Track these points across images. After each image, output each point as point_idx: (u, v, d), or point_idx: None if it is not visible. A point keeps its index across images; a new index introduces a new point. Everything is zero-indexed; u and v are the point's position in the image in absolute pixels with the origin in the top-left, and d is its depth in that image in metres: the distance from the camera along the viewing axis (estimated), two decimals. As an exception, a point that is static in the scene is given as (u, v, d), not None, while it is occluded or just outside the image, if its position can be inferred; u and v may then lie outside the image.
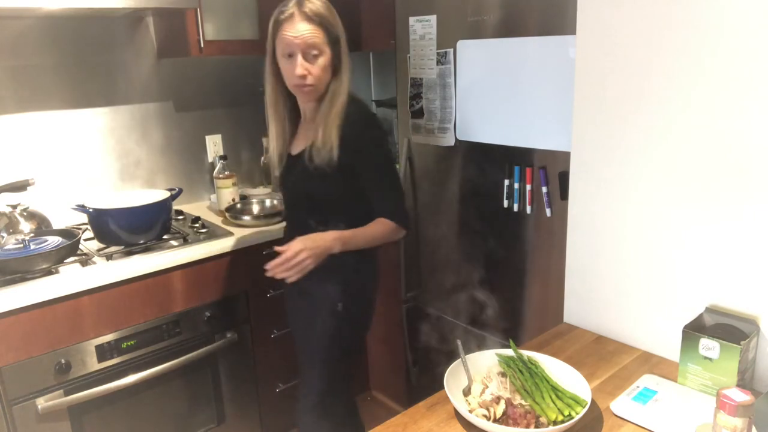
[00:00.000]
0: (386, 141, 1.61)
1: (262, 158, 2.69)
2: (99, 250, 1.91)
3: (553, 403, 1.07)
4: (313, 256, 1.48)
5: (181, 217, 2.30)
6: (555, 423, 1.02)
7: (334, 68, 1.51)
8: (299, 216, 1.65)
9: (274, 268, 1.48)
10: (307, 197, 1.61)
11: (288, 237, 1.66)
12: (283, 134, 1.63)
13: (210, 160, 2.56)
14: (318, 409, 1.73)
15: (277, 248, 1.50)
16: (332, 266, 1.54)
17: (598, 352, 1.34)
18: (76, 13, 2.08)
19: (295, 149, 1.62)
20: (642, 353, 1.32)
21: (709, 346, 1.12)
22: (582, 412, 1.03)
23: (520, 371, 1.15)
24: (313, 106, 1.56)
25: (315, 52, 1.45)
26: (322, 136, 1.49)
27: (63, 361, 1.70)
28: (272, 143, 1.64)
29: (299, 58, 1.45)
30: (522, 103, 1.68)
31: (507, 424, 1.04)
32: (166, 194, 2.00)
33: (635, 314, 1.35)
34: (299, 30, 1.43)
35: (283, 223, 1.83)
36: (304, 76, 1.45)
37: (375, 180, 1.57)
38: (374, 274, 1.72)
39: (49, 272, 1.74)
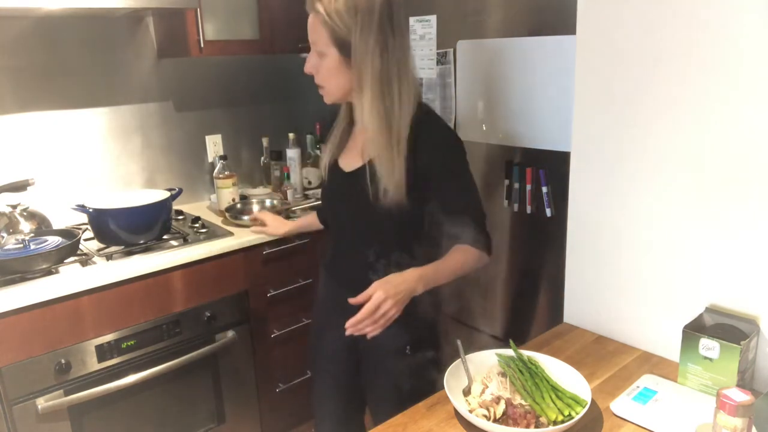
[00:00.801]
0: (464, 153, 1.33)
1: (262, 158, 2.69)
2: (99, 250, 1.91)
3: (553, 403, 1.07)
4: (398, 303, 1.21)
5: (181, 217, 2.30)
6: (555, 423, 1.02)
7: (348, 72, 1.27)
8: (352, 244, 1.41)
9: (356, 324, 1.20)
10: (366, 225, 1.36)
11: (334, 265, 1.47)
12: (334, 140, 1.43)
13: (210, 160, 2.56)
14: None
15: (354, 300, 1.21)
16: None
17: (598, 352, 1.34)
18: (76, 13, 2.08)
19: (348, 164, 1.38)
20: (642, 353, 1.32)
21: (709, 346, 1.12)
22: (582, 412, 1.03)
23: (520, 371, 1.15)
24: (350, 114, 1.40)
25: (319, 50, 1.28)
26: (378, 158, 1.27)
27: (63, 361, 1.70)
28: (324, 150, 1.47)
29: (310, 55, 1.31)
30: (522, 103, 1.68)
31: (507, 424, 1.04)
32: (166, 194, 2.00)
33: (635, 314, 1.35)
34: (309, 24, 1.28)
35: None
36: (311, 74, 1.32)
37: (453, 198, 1.31)
38: (437, 310, 1.46)
39: (49, 272, 1.74)
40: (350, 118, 1.41)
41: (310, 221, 1.74)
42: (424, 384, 1.31)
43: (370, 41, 1.23)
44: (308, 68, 1.31)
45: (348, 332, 1.21)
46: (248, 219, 1.95)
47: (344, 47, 1.25)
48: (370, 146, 1.29)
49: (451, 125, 1.90)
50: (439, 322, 1.47)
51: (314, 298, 1.60)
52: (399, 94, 1.26)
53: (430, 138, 1.29)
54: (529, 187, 1.71)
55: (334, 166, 1.42)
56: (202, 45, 2.12)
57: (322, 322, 1.54)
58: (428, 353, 1.41)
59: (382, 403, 1.44)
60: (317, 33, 1.26)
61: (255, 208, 2.38)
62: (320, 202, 1.58)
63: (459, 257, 1.32)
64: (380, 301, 1.19)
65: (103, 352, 1.78)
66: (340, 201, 1.42)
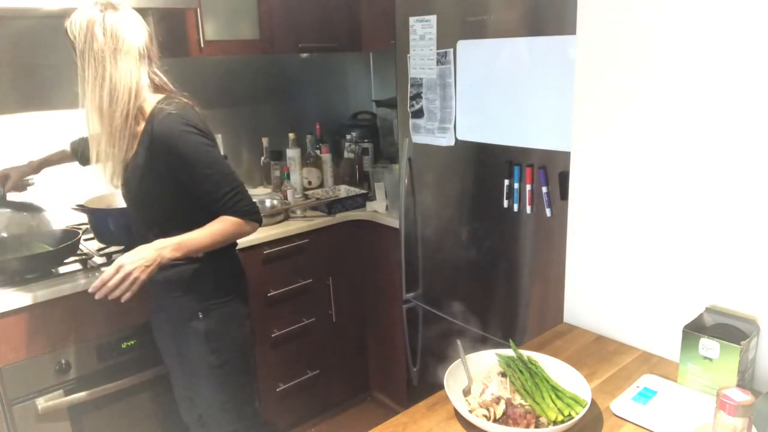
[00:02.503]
0: (192, 135, 1.46)
1: (262, 158, 2.69)
2: (99, 250, 1.91)
3: (553, 403, 1.07)
4: (139, 269, 1.38)
5: (181, 217, 2.29)
6: (555, 423, 1.02)
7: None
8: (135, 224, 1.60)
9: (96, 290, 1.38)
10: (135, 201, 1.55)
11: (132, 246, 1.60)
12: None
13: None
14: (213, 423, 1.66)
15: (103, 268, 1.45)
16: (178, 274, 1.50)
17: (598, 352, 1.34)
18: (76, 13, 2.08)
19: None
20: (642, 353, 1.32)
21: (709, 346, 1.12)
22: (582, 412, 1.03)
23: (520, 371, 1.15)
24: None
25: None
26: (106, 156, 1.48)
27: (63, 361, 1.70)
28: None
29: None
30: (522, 103, 1.68)
31: (507, 424, 1.04)
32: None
33: (635, 314, 1.35)
34: None
35: (284, 223, 1.80)
36: None
37: (195, 179, 1.46)
38: (234, 274, 1.64)
39: (49, 272, 1.74)
40: None
41: (60, 156, 1.87)
42: (222, 345, 1.59)
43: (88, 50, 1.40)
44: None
45: (96, 296, 1.38)
46: None
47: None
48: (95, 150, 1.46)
49: (452, 125, 1.90)
50: (231, 289, 1.62)
51: None
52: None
53: (156, 131, 1.42)
54: (529, 187, 1.71)
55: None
56: (202, 45, 2.12)
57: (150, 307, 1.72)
58: (220, 317, 1.58)
59: (176, 368, 1.66)
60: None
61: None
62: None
63: (216, 226, 1.47)
64: (118, 266, 1.37)
65: (103, 352, 1.78)
66: (126, 196, 1.58)
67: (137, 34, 1.44)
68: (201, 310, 1.56)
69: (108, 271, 1.38)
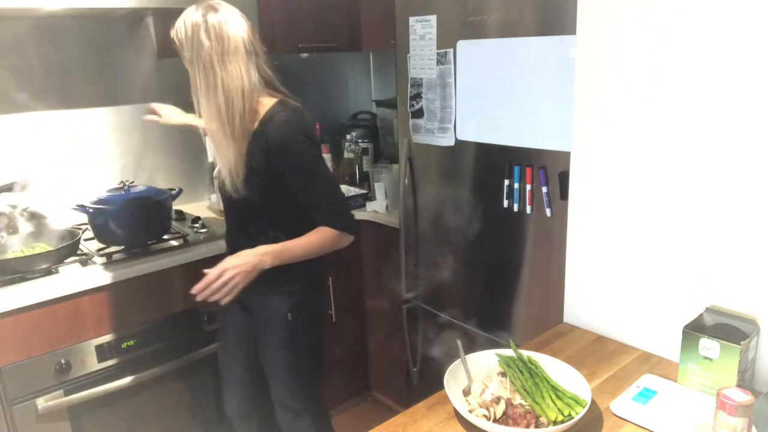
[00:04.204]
0: (304, 144, 1.48)
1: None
2: (99, 250, 1.91)
3: (553, 403, 1.07)
4: (242, 274, 1.43)
5: (181, 217, 2.30)
6: (555, 423, 1.02)
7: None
8: (235, 226, 1.63)
9: (200, 291, 1.43)
10: (242, 207, 1.56)
11: (228, 242, 1.66)
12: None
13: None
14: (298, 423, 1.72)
15: (207, 270, 1.44)
16: (274, 278, 1.51)
17: (598, 352, 1.34)
18: (76, 13, 2.08)
19: None
20: (642, 353, 1.32)
21: (709, 346, 1.12)
22: (582, 412, 1.03)
23: (520, 371, 1.15)
24: None
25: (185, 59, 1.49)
26: (221, 162, 1.52)
27: (63, 361, 1.70)
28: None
29: None
30: (522, 103, 1.68)
31: (507, 424, 1.04)
32: (166, 194, 1.99)
33: (635, 314, 1.35)
34: None
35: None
36: None
37: (303, 187, 1.50)
38: (319, 283, 1.69)
39: (49, 272, 1.74)
40: None
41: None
42: (310, 344, 1.66)
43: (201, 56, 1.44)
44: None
45: (198, 298, 1.43)
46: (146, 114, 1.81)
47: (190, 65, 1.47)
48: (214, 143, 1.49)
49: (452, 125, 1.90)
50: (318, 293, 1.70)
51: None
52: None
53: (272, 137, 1.44)
54: (529, 187, 1.71)
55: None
56: (202, 45, 2.12)
57: (222, 308, 1.67)
58: (309, 318, 1.65)
59: (270, 362, 1.67)
60: (177, 42, 1.48)
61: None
62: None
63: (315, 236, 1.50)
64: (222, 270, 1.42)
65: (103, 352, 1.78)
66: (224, 197, 1.60)
67: (240, 30, 1.44)
68: (290, 310, 1.60)
69: (212, 273, 1.42)
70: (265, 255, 1.45)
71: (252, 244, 1.48)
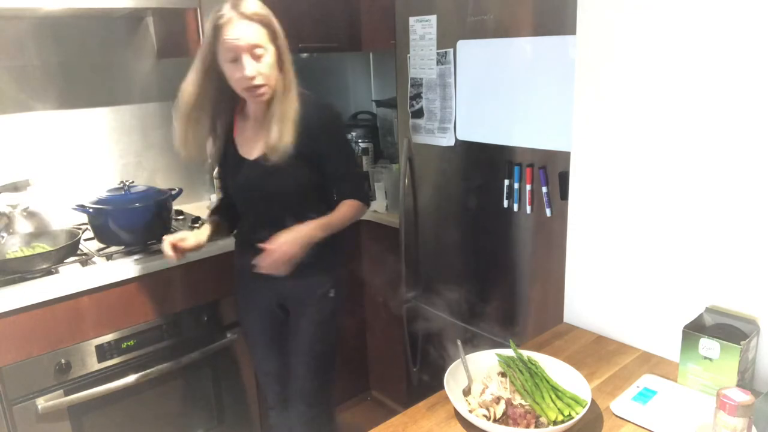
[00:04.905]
0: (343, 125, 1.68)
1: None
2: (99, 250, 1.91)
3: (553, 403, 1.07)
4: (298, 246, 1.55)
5: (181, 217, 2.29)
6: (555, 423, 1.02)
7: (279, 64, 1.52)
8: (270, 217, 1.65)
9: (262, 262, 1.54)
10: (281, 196, 1.62)
11: (258, 237, 1.64)
12: (218, 134, 1.66)
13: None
14: (316, 420, 1.78)
15: (263, 245, 1.55)
16: (314, 258, 1.61)
17: (598, 352, 1.34)
18: (76, 13, 2.08)
19: (252, 153, 1.62)
20: (642, 353, 1.32)
21: (709, 346, 1.12)
22: (582, 412, 1.03)
23: (520, 371, 1.15)
24: (263, 107, 1.56)
25: (260, 51, 1.46)
26: (277, 134, 1.52)
27: (63, 361, 1.70)
28: (185, 142, 1.64)
29: (246, 60, 1.45)
30: (522, 103, 1.68)
31: (507, 424, 1.04)
32: (166, 194, 1.99)
33: (635, 314, 1.35)
34: (242, 32, 1.43)
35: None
36: (253, 77, 1.45)
37: (338, 165, 1.65)
38: (347, 260, 1.83)
39: (49, 272, 1.74)
40: (228, 115, 1.65)
41: (216, 224, 1.78)
42: (341, 326, 1.79)
43: (282, 31, 1.52)
44: (252, 72, 1.45)
45: (259, 270, 1.55)
46: (167, 249, 1.62)
47: (277, 41, 1.50)
48: (279, 127, 1.52)
49: (452, 125, 1.90)
50: (347, 270, 1.83)
51: (233, 271, 1.83)
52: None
53: (312, 118, 1.57)
54: (529, 187, 1.71)
55: (235, 157, 1.65)
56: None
57: (250, 286, 1.77)
58: (346, 293, 1.80)
59: (306, 342, 1.73)
60: (259, 34, 1.46)
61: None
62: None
63: (345, 209, 1.66)
64: (280, 243, 1.54)
65: (103, 352, 1.78)
66: (256, 184, 1.63)
67: None
68: (333, 287, 1.72)
69: (272, 246, 1.54)
70: (315, 229, 1.58)
71: (292, 222, 1.59)
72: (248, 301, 1.80)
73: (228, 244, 1.99)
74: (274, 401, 1.89)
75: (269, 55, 1.48)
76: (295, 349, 1.75)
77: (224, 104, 1.61)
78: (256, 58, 1.46)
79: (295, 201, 1.63)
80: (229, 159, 1.67)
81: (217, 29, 1.45)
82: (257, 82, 1.47)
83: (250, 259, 1.60)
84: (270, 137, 1.52)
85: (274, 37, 1.49)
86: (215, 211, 1.82)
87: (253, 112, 1.61)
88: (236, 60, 1.45)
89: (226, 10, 1.45)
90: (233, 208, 1.77)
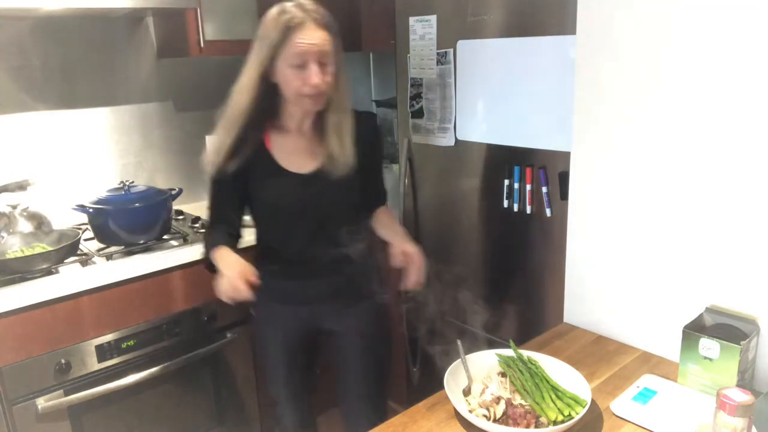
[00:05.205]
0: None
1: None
2: (99, 250, 1.91)
3: (553, 403, 1.07)
4: None
5: (181, 217, 2.29)
6: (555, 423, 1.02)
7: (338, 74, 1.45)
8: (323, 233, 1.50)
9: (415, 275, 1.49)
10: (338, 210, 1.52)
11: (300, 260, 1.53)
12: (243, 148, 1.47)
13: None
14: None
15: (408, 251, 1.47)
16: (372, 264, 1.58)
17: (598, 352, 1.34)
18: (76, 13, 2.08)
19: (303, 167, 1.49)
20: (642, 353, 1.32)
21: (709, 346, 1.12)
22: (582, 412, 1.03)
23: (520, 371, 1.15)
24: (311, 118, 1.49)
25: (327, 59, 1.39)
26: (338, 146, 1.45)
27: (63, 361, 1.70)
28: (222, 153, 1.48)
29: (314, 67, 1.36)
30: (522, 103, 1.68)
31: (507, 424, 1.04)
32: (166, 194, 1.99)
33: (635, 314, 1.35)
34: (314, 37, 1.35)
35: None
36: (319, 85, 1.37)
37: (379, 172, 1.64)
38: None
39: (49, 272, 1.74)
40: (283, 124, 1.50)
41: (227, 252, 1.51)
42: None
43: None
44: (318, 80, 1.36)
45: (412, 287, 1.49)
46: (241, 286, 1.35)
47: (340, 52, 1.44)
48: (339, 138, 1.45)
49: (452, 125, 1.90)
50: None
51: (259, 296, 1.48)
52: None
53: (363, 129, 1.52)
54: (529, 187, 1.71)
55: (275, 172, 1.49)
56: (202, 45, 2.12)
57: (278, 314, 1.63)
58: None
59: (372, 352, 1.65)
60: (330, 43, 1.39)
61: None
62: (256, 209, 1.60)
63: (392, 216, 1.66)
64: (414, 248, 1.47)
65: (103, 352, 1.78)
66: (311, 200, 1.50)
67: None
68: (383, 292, 1.64)
69: (415, 251, 1.47)
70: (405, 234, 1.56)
71: (338, 251, 1.47)
72: (277, 327, 1.65)
73: (228, 244, 1.99)
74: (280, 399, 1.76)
75: (332, 64, 1.40)
76: (353, 358, 1.65)
77: (263, 113, 1.46)
78: (323, 66, 1.38)
79: (347, 215, 1.53)
80: (260, 173, 1.50)
81: (288, 31, 1.34)
82: (322, 89, 1.38)
83: (288, 279, 1.54)
84: (331, 149, 1.45)
85: (338, 48, 1.42)
86: (228, 244, 1.50)
87: (296, 124, 1.49)
88: (302, 66, 1.35)
89: (297, 12, 1.35)
90: (233, 236, 1.57)
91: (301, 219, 1.52)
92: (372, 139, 1.57)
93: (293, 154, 1.50)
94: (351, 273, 1.53)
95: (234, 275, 1.34)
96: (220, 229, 1.55)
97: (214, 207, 1.57)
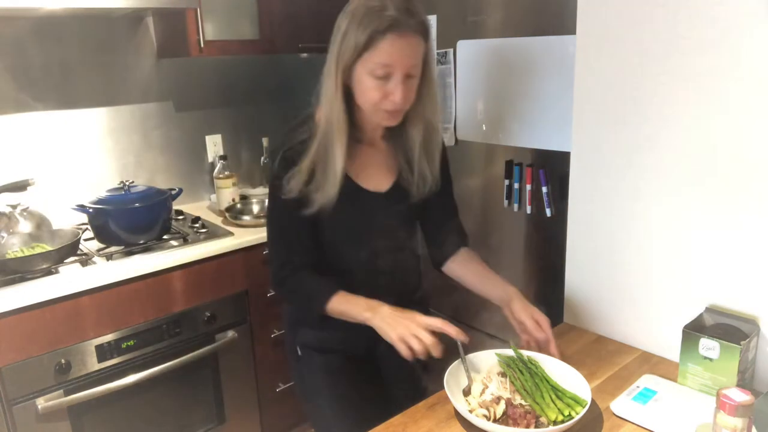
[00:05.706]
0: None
1: (262, 158, 2.69)
2: (99, 250, 1.91)
3: (553, 403, 1.07)
4: None
5: (181, 217, 2.30)
6: (555, 423, 1.02)
7: (427, 85, 1.24)
8: (394, 256, 1.38)
9: (554, 353, 1.22)
10: (413, 230, 1.43)
11: (371, 285, 1.31)
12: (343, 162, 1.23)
13: (210, 160, 2.56)
14: None
15: (540, 321, 1.25)
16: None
17: (598, 352, 1.34)
18: (76, 13, 2.08)
19: (378, 185, 1.31)
20: (642, 353, 1.32)
21: (709, 346, 1.12)
22: (582, 412, 1.03)
23: (520, 371, 1.15)
24: (384, 132, 1.31)
25: (415, 71, 1.17)
26: (429, 168, 1.32)
27: (63, 361, 1.70)
28: (337, 172, 1.22)
29: (399, 80, 1.14)
30: (522, 103, 1.68)
31: (507, 424, 1.04)
32: (166, 194, 2.00)
33: (635, 314, 1.35)
34: (407, 46, 1.12)
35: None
36: (401, 102, 1.16)
37: (452, 197, 1.50)
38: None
39: (49, 272, 1.74)
40: (358, 139, 1.29)
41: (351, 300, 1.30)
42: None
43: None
44: (403, 95, 1.16)
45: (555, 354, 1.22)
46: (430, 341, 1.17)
47: (428, 62, 1.22)
48: (429, 158, 1.32)
49: (452, 125, 1.90)
50: None
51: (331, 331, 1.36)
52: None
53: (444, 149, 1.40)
54: (529, 187, 1.71)
55: (353, 191, 1.27)
56: (202, 45, 2.12)
57: (344, 350, 1.41)
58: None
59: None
60: (419, 49, 1.16)
61: (255, 208, 2.38)
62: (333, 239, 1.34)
63: (481, 261, 1.49)
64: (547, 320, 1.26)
65: (103, 352, 1.78)
66: (391, 221, 1.35)
67: None
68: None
69: (546, 321, 1.25)
70: None
71: (413, 263, 1.46)
72: (345, 364, 1.41)
73: (230, 244, 1.99)
74: None
75: (418, 77, 1.18)
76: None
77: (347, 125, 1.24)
78: (409, 78, 1.16)
79: (410, 232, 1.42)
80: (340, 193, 1.25)
81: (377, 34, 1.10)
82: (401, 107, 1.18)
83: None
84: (422, 169, 1.31)
85: (427, 56, 1.19)
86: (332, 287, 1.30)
87: (368, 135, 1.30)
88: (386, 77, 1.14)
89: (391, 9, 1.10)
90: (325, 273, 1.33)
91: (375, 239, 1.34)
92: (443, 155, 1.40)
93: (367, 168, 1.31)
94: (403, 290, 1.41)
95: (410, 325, 1.17)
96: (307, 265, 1.31)
97: (292, 237, 1.30)
